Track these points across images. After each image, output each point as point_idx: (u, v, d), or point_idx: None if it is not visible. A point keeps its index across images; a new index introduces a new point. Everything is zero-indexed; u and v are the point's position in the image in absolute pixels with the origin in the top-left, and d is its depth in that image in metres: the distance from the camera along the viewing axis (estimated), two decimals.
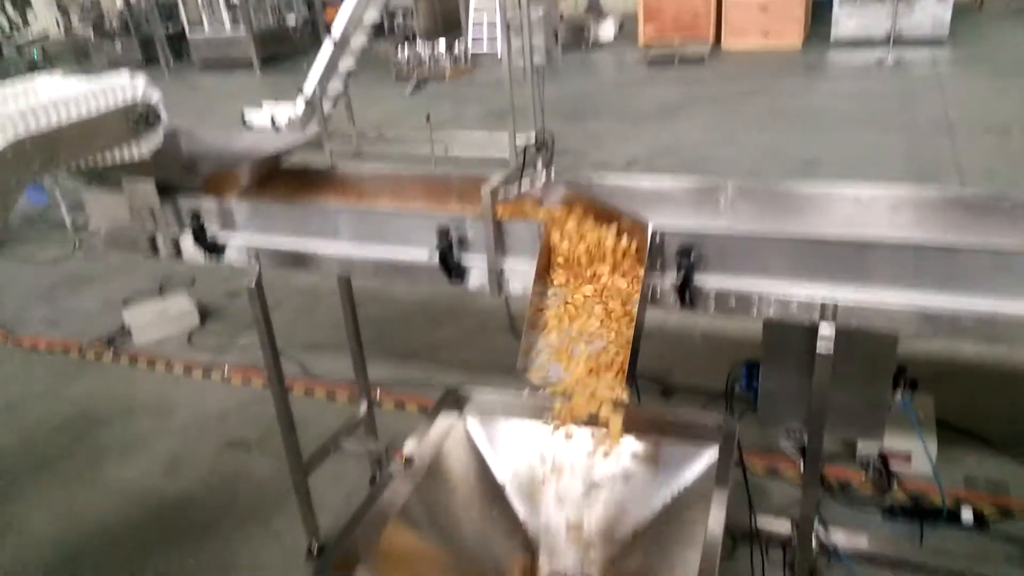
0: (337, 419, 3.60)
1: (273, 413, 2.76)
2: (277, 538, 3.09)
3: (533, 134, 7.32)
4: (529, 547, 2.18)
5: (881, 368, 2.14)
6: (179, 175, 2.89)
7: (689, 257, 1.89)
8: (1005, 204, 2.07)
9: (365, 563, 1.76)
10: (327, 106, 7.85)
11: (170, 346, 4.74)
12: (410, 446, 2.07)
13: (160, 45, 14.97)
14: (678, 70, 11.10)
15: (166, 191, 2.50)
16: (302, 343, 4.55)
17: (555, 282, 2.01)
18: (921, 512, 2.73)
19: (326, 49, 7.56)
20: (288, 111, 7.92)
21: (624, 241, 1.96)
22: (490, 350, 4.30)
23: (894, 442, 2.94)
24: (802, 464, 2.28)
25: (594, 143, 8.01)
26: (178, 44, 15.51)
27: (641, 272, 1.90)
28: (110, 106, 2.25)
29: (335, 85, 7.75)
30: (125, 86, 2.28)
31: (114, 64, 15.21)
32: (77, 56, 16.83)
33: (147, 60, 15.38)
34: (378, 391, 3.88)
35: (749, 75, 10.39)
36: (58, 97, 2.11)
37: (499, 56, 7.38)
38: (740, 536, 2.61)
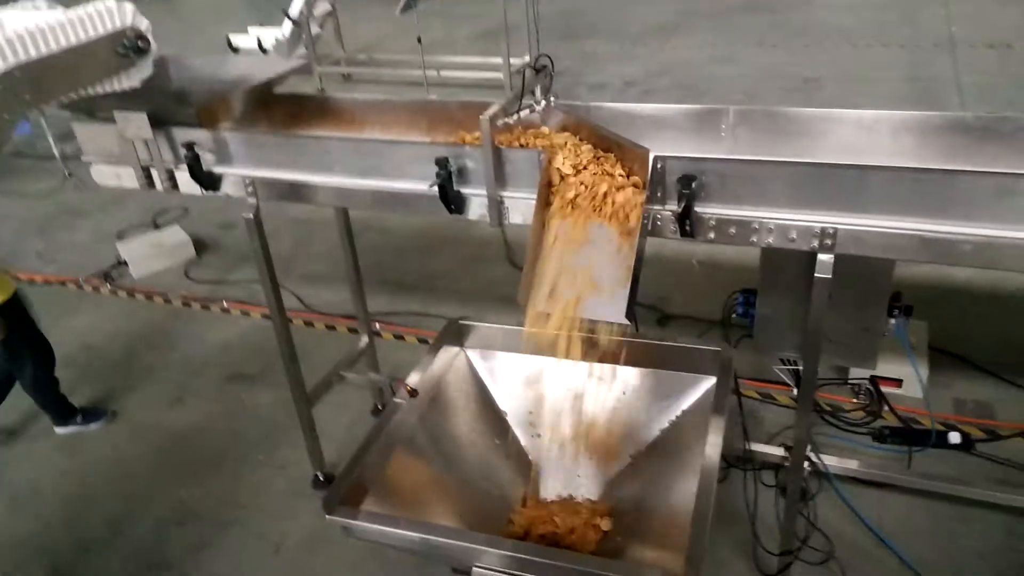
0: (338, 350, 3.64)
1: (274, 345, 2.79)
2: (283, 468, 3.16)
3: (528, 57, 7.19)
4: (531, 472, 2.24)
5: (876, 294, 2.16)
6: (170, 104, 2.85)
7: (690, 186, 1.88)
8: (1005, 126, 2.05)
9: (373, 492, 1.81)
10: (314, 28, 7.64)
11: (167, 279, 4.74)
12: (414, 378, 2.10)
13: None
14: None
15: (159, 123, 2.45)
16: (300, 274, 4.55)
17: (556, 211, 2.00)
18: (910, 435, 2.81)
19: None
20: (275, 34, 7.70)
21: (624, 170, 1.94)
22: (487, 280, 4.31)
23: (886, 367, 2.98)
24: (796, 389, 2.32)
25: (590, 63, 7.85)
26: None
27: (641, 200, 1.89)
28: (99, 33, 2.19)
29: (322, 5, 7.52)
30: (112, 11, 2.21)
31: None
32: None
33: None
34: (377, 324, 3.91)
35: None
36: (45, 24, 2.05)
37: None
38: (733, 459, 2.70)
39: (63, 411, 3.47)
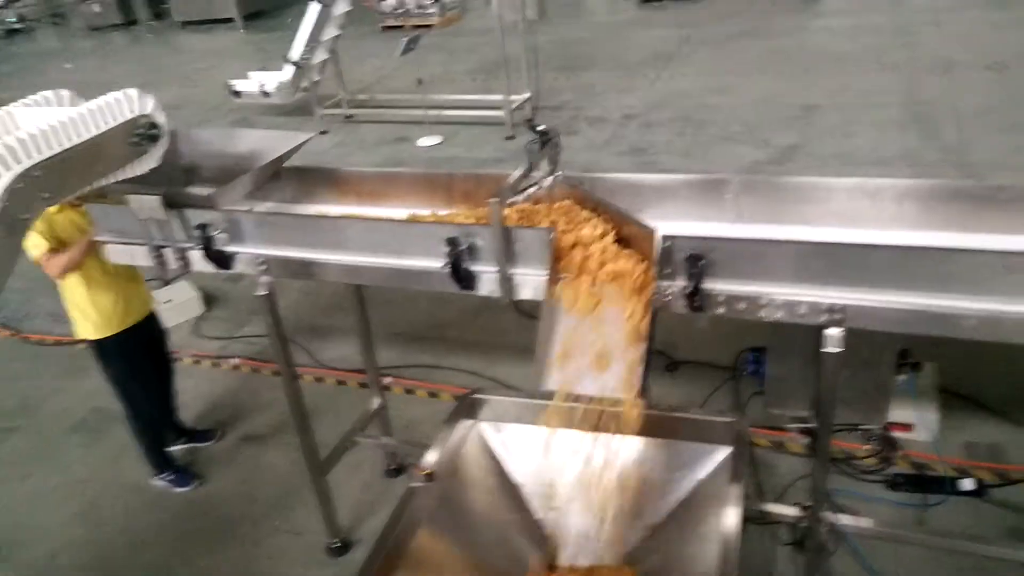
0: (350, 406, 3.67)
1: (285, 404, 2.80)
2: (299, 535, 3.17)
3: (528, 92, 7.26)
4: (547, 545, 2.25)
5: (884, 356, 2.19)
6: (180, 181, 2.90)
7: (698, 264, 1.91)
8: (1003, 195, 2.09)
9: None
10: (315, 75, 7.75)
11: (177, 335, 4.75)
12: (431, 457, 2.13)
13: (139, 5, 14.62)
14: (671, 10, 10.90)
15: (172, 204, 2.49)
16: (308, 327, 4.58)
17: (565, 286, 2.03)
18: (923, 483, 2.82)
19: (312, 12, 7.42)
20: (277, 77, 7.81)
21: (632, 262, 1.97)
22: (495, 330, 4.34)
23: (897, 414, 3.00)
24: (808, 445, 2.34)
25: (589, 96, 7.92)
26: (158, 3, 15.16)
27: (650, 274, 1.92)
28: (112, 123, 2.24)
29: (322, 50, 7.63)
30: (122, 100, 2.26)
31: (93, 27, 14.90)
32: (54, 19, 16.45)
33: (127, 21, 15.04)
34: (388, 379, 3.93)
35: (743, 12, 10.20)
36: (62, 119, 2.09)
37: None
38: (748, 518, 2.70)
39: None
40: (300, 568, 3.02)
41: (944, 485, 2.81)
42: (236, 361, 4.39)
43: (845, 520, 2.45)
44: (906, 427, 3.07)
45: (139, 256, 2.67)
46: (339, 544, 3.06)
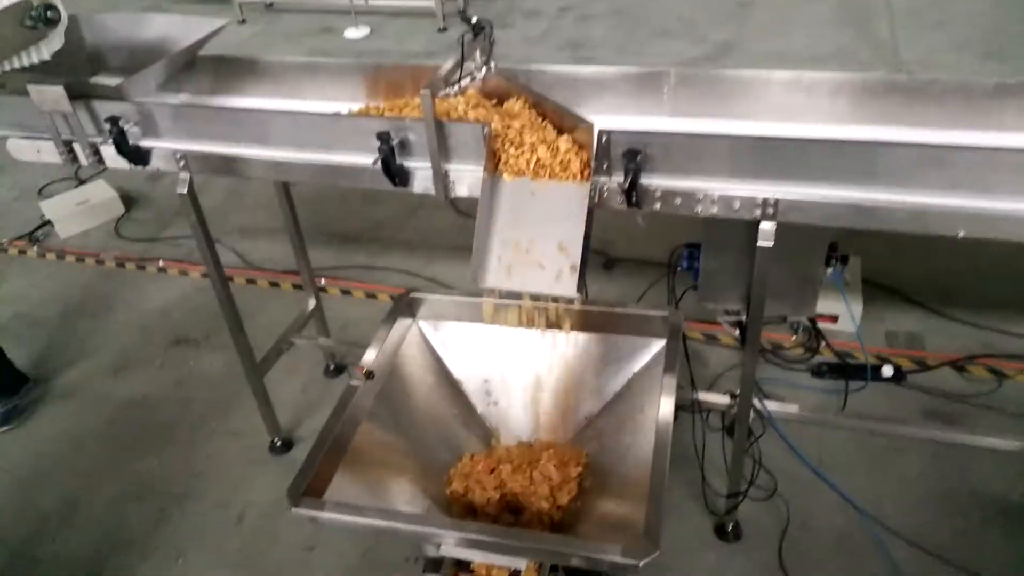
0: (284, 309, 3.61)
1: (218, 306, 2.73)
2: (238, 436, 3.15)
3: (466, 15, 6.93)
4: (489, 437, 2.29)
5: (815, 249, 2.24)
6: (86, 71, 2.70)
7: (636, 160, 1.89)
8: (935, 88, 2.11)
9: (337, 477, 1.84)
10: None
11: (97, 238, 4.56)
12: (369, 356, 2.11)
13: None
14: None
15: (78, 95, 2.31)
16: (236, 227, 4.44)
17: (502, 181, 1.99)
18: (846, 370, 2.95)
19: None
20: None
21: (570, 145, 1.94)
22: (432, 230, 4.28)
23: (823, 306, 3.09)
24: (739, 337, 2.41)
25: None
26: None
27: (588, 164, 1.90)
28: (4, 4, 2.05)
29: None
30: None
31: None
32: None
33: None
34: (322, 279, 3.86)
35: None
36: None
37: None
38: (681, 407, 2.80)
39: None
40: (241, 467, 3.02)
41: (865, 372, 2.95)
42: (161, 263, 4.24)
43: (772, 406, 2.56)
44: (832, 318, 3.20)
45: (47, 152, 2.50)
46: (280, 443, 3.06)
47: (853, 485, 2.65)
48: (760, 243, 1.95)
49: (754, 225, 1.95)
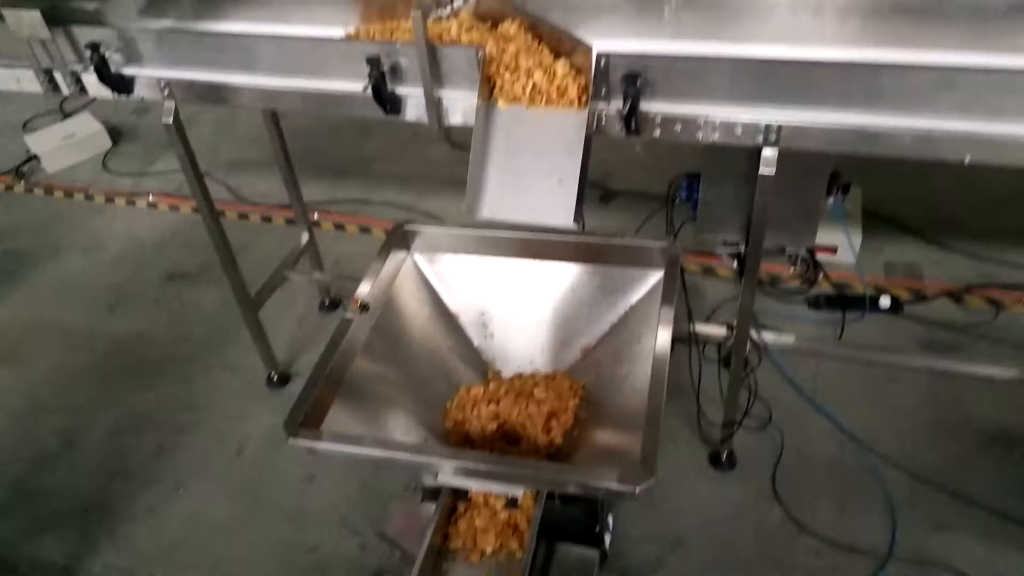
0: (278, 244, 3.57)
1: (209, 242, 2.69)
2: (235, 370, 3.15)
3: None
4: (486, 370, 2.29)
5: (816, 177, 2.20)
6: None
7: (635, 84, 1.83)
8: (947, 7, 2.02)
9: (334, 408, 1.84)
10: None
11: (85, 173, 4.48)
12: (363, 289, 2.08)
13: None
14: None
15: (56, 20, 2.22)
16: (226, 161, 4.36)
17: (497, 108, 1.93)
18: (843, 301, 2.94)
19: None
20: None
21: (567, 69, 1.87)
22: (425, 160, 4.20)
23: (822, 236, 3.06)
24: (737, 269, 2.39)
25: None
26: None
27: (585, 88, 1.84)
28: None
29: None
30: None
31: None
32: None
33: None
34: (315, 214, 3.81)
35: None
36: None
37: None
38: (678, 339, 2.80)
39: None
40: (239, 401, 3.02)
41: (863, 303, 2.94)
42: (152, 198, 4.17)
43: (769, 337, 2.55)
44: (831, 249, 3.17)
45: (27, 82, 2.41)
46: (277, 377, 3.06)
47: (847, 415, 2.67)
48: (762, 171, 1.90)
49: (756, 152, 1.91)
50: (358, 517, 2.54)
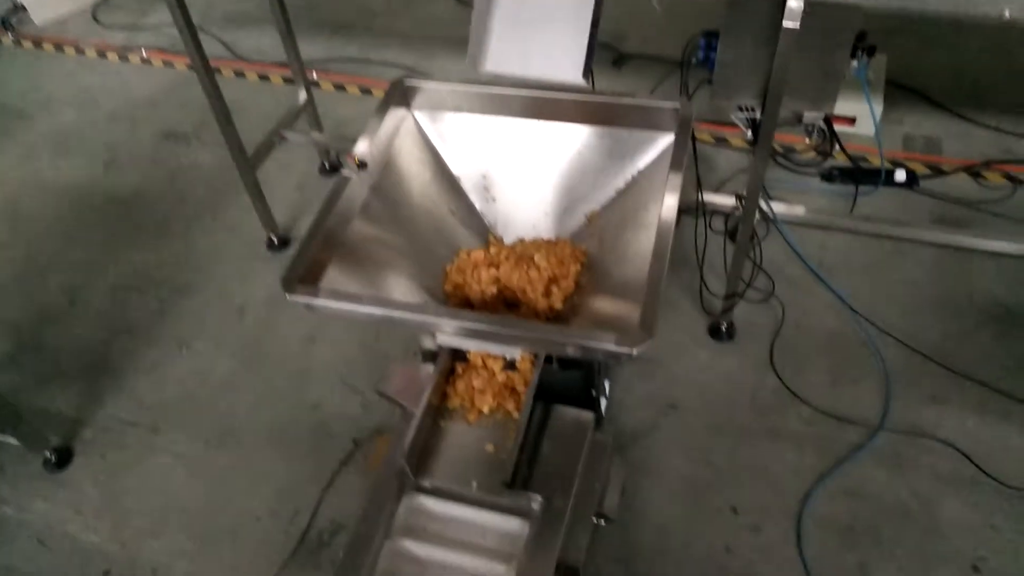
0: (275, 103, 3.46)
1: (205, 99, 2.60)
2: (234, 231, 3.11)
3: None
4: (487, 233, 2.24)
5: (842, 36, 2.08)
6: None
7: None
8: None
9: (332, 266, 1.80)
10: None
11: (75, 25, 4.29)
12: (361, 147, 2.00)
13: None
14: None
15: None
16: (222, 15, 4.15)
17: None
18: (857, 175, 2.85)
19: None
20: None
21: None
22: (428, 17, 4.00)
23: (841, 107, 2.93)
24: (751, 137, 2.30)
25: None
26: None
27: None
28: None
29: None
30: None
31: None
32: None
33: None
34: (314, 73, 3.66)
35: None
36: None
37: None
38: (685, 210, 2.74)
39: None
40: (239, 263, 3.01)
41: (877, 176, 2.85)
42: (145, 54, 4.01)
43: (778, 207, 2.49)
44: (849, 120, 3.04)
45: None
46: (277, 240, 3.04)
47: (851, 287, 2.64)
48: (785, 24, 1.79)
49: (780, 3, 1.78)
50: (358, 378, 2.58)
